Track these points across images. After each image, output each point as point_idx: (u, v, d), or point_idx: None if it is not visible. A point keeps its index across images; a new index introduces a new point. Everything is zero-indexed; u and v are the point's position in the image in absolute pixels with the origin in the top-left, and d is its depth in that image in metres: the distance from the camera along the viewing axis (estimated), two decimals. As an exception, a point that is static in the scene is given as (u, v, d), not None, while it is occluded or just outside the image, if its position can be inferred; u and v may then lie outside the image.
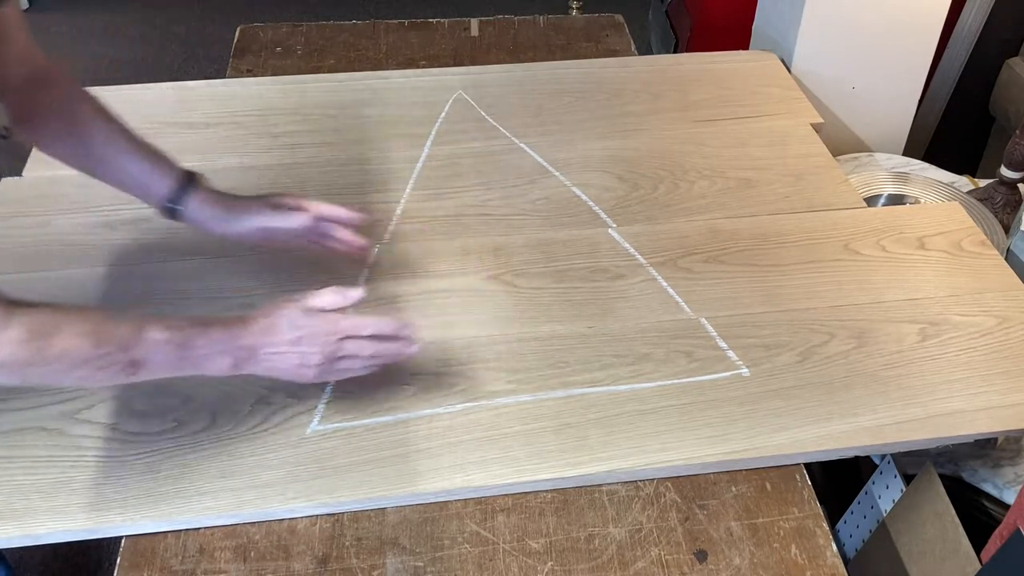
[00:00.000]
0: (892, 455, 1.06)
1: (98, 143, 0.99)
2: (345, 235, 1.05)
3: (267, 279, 1.12)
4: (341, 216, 1.04)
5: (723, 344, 1.04)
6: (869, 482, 1.11)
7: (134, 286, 1.11)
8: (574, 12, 2.40)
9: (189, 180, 1.01)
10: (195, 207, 1.01)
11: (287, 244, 1.06)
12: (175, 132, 1.36)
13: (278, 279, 1.12)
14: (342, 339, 0.89)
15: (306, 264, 1.14)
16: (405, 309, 1.09)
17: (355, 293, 0.91)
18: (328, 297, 0.90)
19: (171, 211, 1.01)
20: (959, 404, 0.98)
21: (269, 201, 1.03)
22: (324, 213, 1.03)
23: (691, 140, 1.38)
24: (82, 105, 0.99)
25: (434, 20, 1.77)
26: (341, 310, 0.90)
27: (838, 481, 1.24)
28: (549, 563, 0.86)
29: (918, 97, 1.63)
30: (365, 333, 0.90)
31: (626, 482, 0.93)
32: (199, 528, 0.89)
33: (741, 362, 1.02)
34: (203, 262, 1.14)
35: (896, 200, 1.42)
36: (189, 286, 1.11)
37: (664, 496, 0.92)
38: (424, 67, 1.57)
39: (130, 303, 1.09)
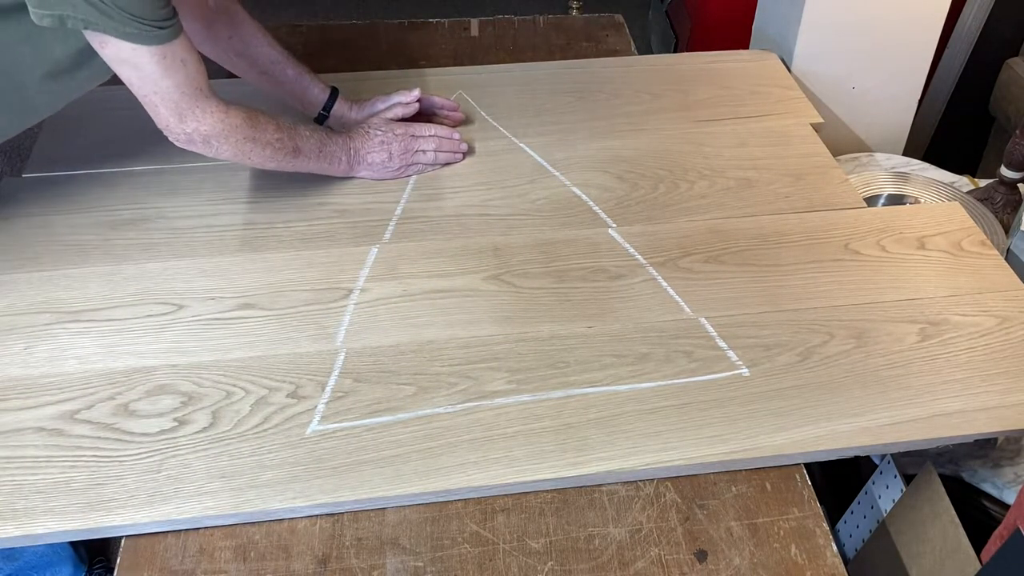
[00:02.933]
0: (892, 455, 1.06)
1: (265, 63, 1.30)
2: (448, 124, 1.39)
3: (264, 278, 1.12)
4: (442, 104, 1.39)
5: (723, 344, 1.04)
6: (869, 482, 1.11)
7: (134, 286, 1.11)
8: (574, 12, 2.40)
9: (334, 93, 1.35)
10: (338, 112, 1.35)
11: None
12: (175, 132, 1.36)
13: (278, 278, 1.12)
14: (413, 136, 1.27)
15: (305, 265, 1.14)
16: (405, 309, 1.09)
17: (411, 94, 1.32)
18: (396, 108, 1.30)
19: (321, 118, 1.34)
20: (959, 404, 0.98)
21: (384, 101, 1.35)
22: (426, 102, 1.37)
23: (691, 140, 1.38)
24: (253, 35, 1.29)
25: (434, 20, 1.77)
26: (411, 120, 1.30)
27: (838, 481, 1.24)
28: (549, 563, 0.86)
29: (918, 97, 1.63)
30: (428, 134, 1.28)
31: (626, 482, 0.93)
32: (199, 528, 0.89)
33: (741, 362, 1.02)
34: (202, 262, 1.14)
35: (896, 200, 1.42)
36: (188, 286, 1.11)
37: (664, 496, 0.92)
38: (424, 67, 1.57)
39: (130, 303, 1.09)
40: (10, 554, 1.21)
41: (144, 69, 1.00)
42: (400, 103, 1.33)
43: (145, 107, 1.05)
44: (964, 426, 0.96)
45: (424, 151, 1.27)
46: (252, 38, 1.28)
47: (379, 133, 1.25)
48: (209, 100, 1.07)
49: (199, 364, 1.01)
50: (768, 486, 0.93)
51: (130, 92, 1.04)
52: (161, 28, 0.97)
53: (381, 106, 1.34)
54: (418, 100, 1.33)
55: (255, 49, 1.28)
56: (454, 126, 1.38)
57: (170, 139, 1.08)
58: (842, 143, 1.61)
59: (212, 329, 1.06)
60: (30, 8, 0.93)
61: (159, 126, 1.07)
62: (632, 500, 0.92)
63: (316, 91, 1.33)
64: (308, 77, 1.33)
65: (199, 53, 1.06)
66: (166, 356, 1.02)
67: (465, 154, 1.31)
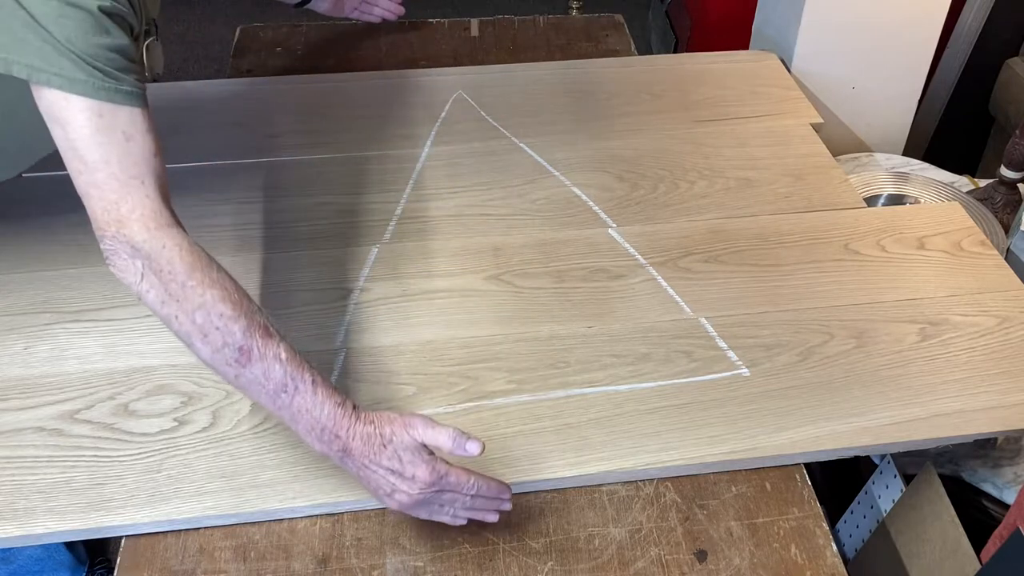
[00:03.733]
0: (892, 455, 1.06)
1: None
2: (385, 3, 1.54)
3: (265, 278, 1.12)
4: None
5: (723, 344, 1.04)
6: (869, 482, 1.11)
7: (134, 286, 1.11)
8: (574, 12, 2.39)
9: None
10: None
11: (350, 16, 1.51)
12: (176, 132, 1.36)
13: (278, 278, 1.12)
14: (440, 492, 0.82)
15: (305, 265, 1.14)
16: (405, 309, 1.09)
17: (474, 447, 0.81)
18: (444, 438, 0.80)
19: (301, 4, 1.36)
20: (959, 404, 0.98)
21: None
22: None
23: (691, 140, 1.38)
24: None
25: (434, 20, 1.77)
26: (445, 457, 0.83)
27: (838, 481, 1.24)
28: (549, 563, 0.86)
29: (918, 97, 1.62)
30: (465, 492, 0.82)
31: (626, 482, 0.93)
32: (199, 528, 0.89)
33: (741, 362, 1.02)
34: (203, 262, 1.14)
35: (896, 200, 1.42)
36: (189, 286, 1.11)
37: (664, 496, 0.92)
38: (424, 67, 1.57)
39: (130, 303, 1.09)
40: (5, 557, 1.21)
41: (81, 127, 0.79)
42: None
43: (83, 197, 0.82)
44: (964, 426, 0.96)
45: (444, 506, 0.83)
46: None
47: (393, 462, 0.80)
48: (152, 202, 0.81)
49: (199, 364, 1.01)
50: (768, 486, 0.93)
51: None
52: (112, 79, 0.79)
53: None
54: None
55: None
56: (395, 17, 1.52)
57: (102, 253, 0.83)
58: (842, 143, 1.61)
59: (212, 329, 1.05)
60: None
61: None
62: (632, 500, 0.92)
63: None
64: None
65: (163, 165, 0.85)
66: (166, 356, 1.02)
67: (504, 511, 0.87)
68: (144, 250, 0.80)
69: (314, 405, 0.80)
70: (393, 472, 0.80)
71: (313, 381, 0.81)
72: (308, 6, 1.55)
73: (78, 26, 0.78)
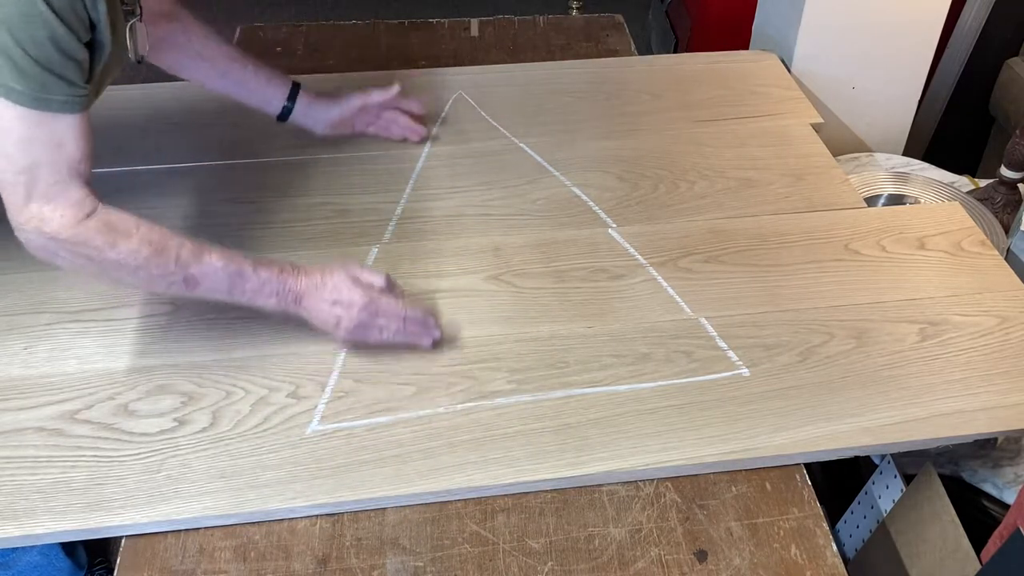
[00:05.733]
0: (892, 455, 1.06)
1: (224, 66, 1.20)
2: (405, 121, 1.33)
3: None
4: (402, 102, 1.32)
5: (723, 344, 1.04)
6: (869, 482, 1.11)
7: (134, 286, 1.11)
8: (574, 12, 2.40)
9: (296, 88, 1.26)
10: (302, 106, 1.27)
11: (364, 132, 1.34)
12: (176, 132, 1.37)
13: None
14: (375, 314, 0.99)
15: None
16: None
17: (398, 286, 1.04)
18: (378, 278, 1.02)
19: (285, 113, 1.26)
20: (959, 404, 0.98)
21: (349, 95, 1.29)
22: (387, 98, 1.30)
23: (691, 140, 1.38)
24: (207, 37, 1.19)
25: (434, 20, 1.77)
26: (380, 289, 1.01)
27: (838, 481, 1.24)
28: (549, 563, 0.86)
29: (918, 97, 1.63)
30: (397, 313, 1.01)
31: (626, 482, 0.93)
32: (199, 528, 0.88)
33: (741, 362, 1.02)
34: (203, 262, 1.14)
35: (896, 200, 1.42)
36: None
37: (664, 496, 0.92)
38: (424, 67, 1.57)
39: (130, 303, 1.09)
40: (3, 563, 1.21)
41: (4, 131, 0.82)
42: (376, 98, 1.29)
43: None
44: (964, 426, 0.96)
45: (382, 329, 1.01)
46: (206, 39, 1.19)
47: (334, 294, 0.98)
48: (71, 196, 0.86)
49: (199, 364, 1.01)
50: (768, 486, 0.93)
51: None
52: (50, 90, 0.82)
53: (356, 101, 1.29)
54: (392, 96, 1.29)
55: (212, 50, 1.19)
56: (416, 118, 1.35)
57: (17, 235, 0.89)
58: (842, 143, 1.61)
59: (212, 329, 1.06)
60: None
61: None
62: (632, 500, 0.92)
63: (277, 84, 1.25)
64: (267, 71, 1.24)
65: (90, 148, 0.88)
66: (166, 356, 1.02)
67: (436, 340, 1.04)
68: (69, 242, 0.87)
69: (262, 283, 0.96)
70: (335, 303, 0.98)
71: (253, 267, 0.96)
72: (293, 121, 1.29)
73: (24, 29, 0.79)
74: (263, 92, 1.24)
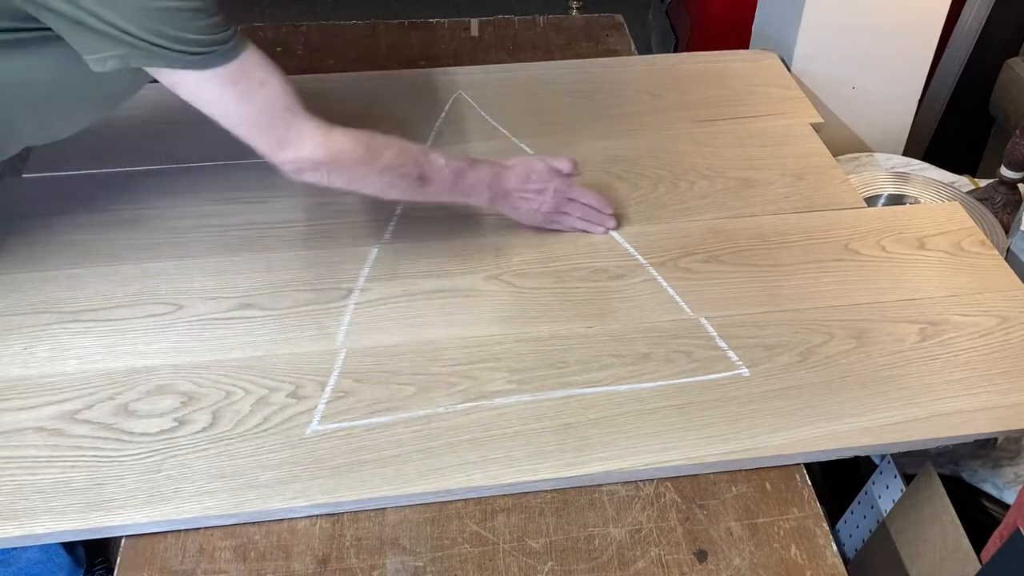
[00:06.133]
0: (892, 455, 1.06)
1: None
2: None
3: (265, 278, 1.12)
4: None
5: (723, 344, 1.04)
6: (869, 482, 1.11)
7: (134, 286, 1.11)
8: (574, 12, 2.39)
9: None
10: None
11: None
12: (176, 132, 1.36)
13: (278, 278, 1.12)
14: (568, 199, 1.16)
15: (305, 266, 1.14)
16: (405, 309, 1.09)
17: (579, 165, 1.17)
18: (564, 162, 1.15)
19: None
20: (959, 404, 0.98)
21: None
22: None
23: (691, 140, 1.38)
24: None
25: (434, 20, 1.77)
26: (570, 175, 1.16)
27: (838, 481, 1.24)
28: (549, 563, 0.86)
29: (918, 97, 1.63)
30: (584, 201, 1.17)
31: (626, 482, 0.93)
32: (199, 528, 0.88)
33: (741, 362, 1.02)
34: (202, 262, 1.14)
35: (896, 200, 1.42)
36: (188, 286, 1.11)
37: (664, 496, 0.92)
38: (424, 67, 1.57)
39: (130, 303, 1.09)
40: (4, 560, 1.21)
41: (216, 98, 0.91)
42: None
43: (247, 143, 0.96)
44: (964, 426, 0.96)
45: (568, 215, 1.17)
46: None
47: (539, 181, 1.13)
48: (304, 122, 0.96)
49: (199, 364, 1.01)
50: (768, 486, 0.93)
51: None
52: (214, 47, 0.87)
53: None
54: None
55: None
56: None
57: (285, 175, 0.99)
58: (842, 143, 1.61)
59: (212, 329, 1.06)
60: (87, 58, 0.86)
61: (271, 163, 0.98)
62: (632, 500, 0.92)
63: None
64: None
65: (281, 70, 0.95)
66: (166, 356, 1.02)
67: (608, 229, 1.19)
68: (323, 160, 0.98)
69: (479, 179, 1.10)
70: (540, 192, 1.14)
71: (470, 165, 1.09)
72: None
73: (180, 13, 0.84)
74: None
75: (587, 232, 1.19)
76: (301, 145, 0.96)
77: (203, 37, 0.86)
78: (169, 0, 0.83)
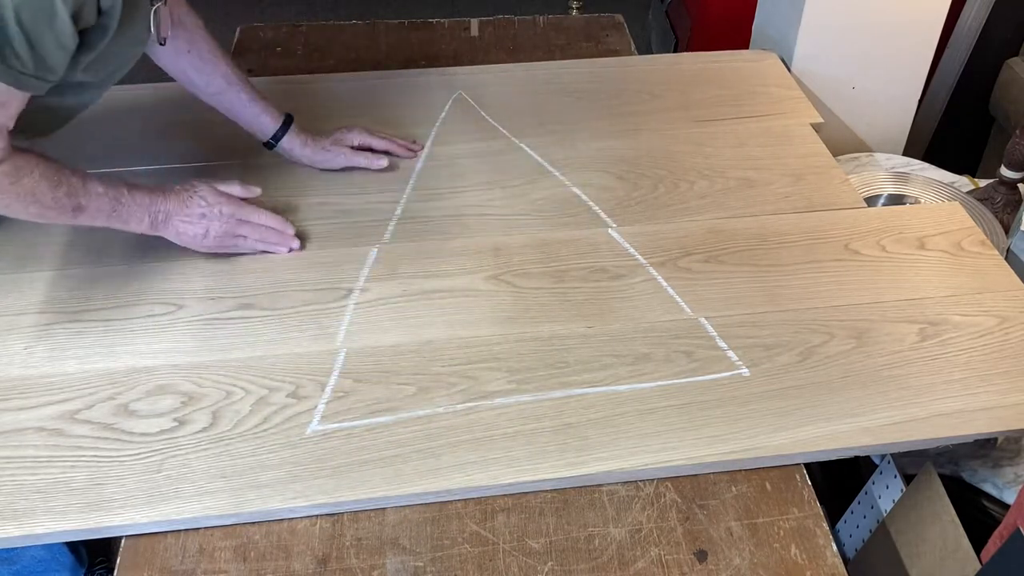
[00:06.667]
0: (892, 455, 1.06)
1: (220, 83, 1.23)
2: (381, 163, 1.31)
3: (264, 278, 1.12)
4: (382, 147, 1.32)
5: (723, 344, 1.04)
6: (869, 482, 1.11)
7: (134, 286, 1.11)
8: (574, 12, 2.40)
9: (287, 123, 1.28)
10: (287, 146, 1.29)
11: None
12: (176, 132, 1.37)
13: (278, 278, 1.12)
14: (239, 221, 1.11)
15: (305, 266, 1.14)
16: (405, 309, 1.09)
17: (256, 189, 1.16)
18: (235, 187, 1.13)
19: (270, 146, 1.29)
20: (959, 404, 0.98)
21: (343, 147, 1.30)
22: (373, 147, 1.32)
23: (691, 140, 1.38)
24: (211, 53, 1.21)
25: (434, 20, 1.77)
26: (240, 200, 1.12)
27: (838, 481, 1.24)
28: (549, 563, 0.86)
29: (918, 97, 1.63)
30: (259, 222, 1.13)
31: (626, 482, 0.93)
32: (199, 528, 0.89)
33: (741, 362, 1.02)
34: (202, 262, 1.14)
35: (896, 200, 1.42)
36: (188, 286, 1.11)
37: (664, 496, 0.92)
38: (424, 67, 1.57)
39: (130, 303, 1.09)
40: (8, 557, 1.21)
41: None
42: (360, 142, 1.29)
43: None
44: (964, 426, 0.96)
45: (245, 238, 1.13)
46: (209, 55, 1.20)
47: (202, 205, 1.09)
48: None
49: (199, 364, 1.01)
50: (768, 486, 0.93)
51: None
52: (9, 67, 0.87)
53: (341, 159, 1.29)
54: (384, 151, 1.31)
55: (211, 67, 1.21)
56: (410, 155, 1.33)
57: None
58: (842, 143, 1.61)
59: (212, 329, 1.06)
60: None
61: None
62: (632, 500, 0.92)
63: (267, 119, 1.26)
64: (261, 104, 1.25)
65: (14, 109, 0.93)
66: (166, 356, 1.02)
67: (293, 249, 1.16)
68: None
69: (137, 204, 1.05)
70: (203, 216, 1.09)
71: (128, 190, 1.04)
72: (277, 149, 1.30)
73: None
74: (252, 123, 1.27)
75: (269, 253, 1.15)
76: None
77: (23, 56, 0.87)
78: None
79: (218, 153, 1.33)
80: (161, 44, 1.10)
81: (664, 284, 1.12)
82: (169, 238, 1.09)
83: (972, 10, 1.94)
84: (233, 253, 1.14)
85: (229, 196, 1.11)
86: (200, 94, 1.24)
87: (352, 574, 0.85)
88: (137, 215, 1.05)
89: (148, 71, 1.21)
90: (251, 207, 1.13)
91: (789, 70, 1.55)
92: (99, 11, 0.93)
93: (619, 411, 0.97)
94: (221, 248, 1.12)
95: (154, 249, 1.16)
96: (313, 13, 3.21)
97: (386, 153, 1.32)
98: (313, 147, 1.29)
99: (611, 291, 1.11)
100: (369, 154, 1.31)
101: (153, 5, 1.04)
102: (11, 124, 0.94)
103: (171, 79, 1.24)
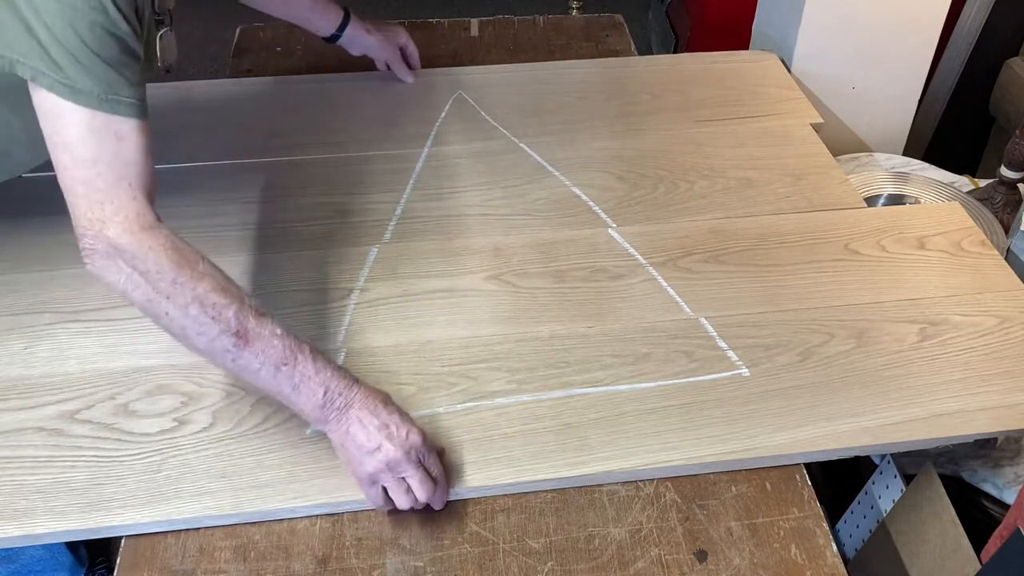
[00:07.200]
0: (892, 455, 1.06)
1: None
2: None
3: (265, 278, 1.12)
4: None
5: (723, 344, 1.04)
6: (869, 482, 1.11)
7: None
8: (574, 12, 2.40)
9: (346, 16, 1.40)
10: (350, 38, 1.43)
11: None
12: (175, 132, 1.36)
13: (278, 278, 1.12)
14: (416, 462, 0.85)
15: (305, 266, 1.14)
16: (405, 309, 1.09)
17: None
18: (435, 459, 0.88)
19: (332, 40, 1.41)
20: (959, 404, 0.98)
21: (396, 49, 1.49)
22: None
23: (691, 140, 1.38)
24: None
25: (434, 20, 1.77)
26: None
27: (838, 481, 1.24)
28: (549, 563, 0.86)
29: (918, 97, 1.62)
30: (431, 470, 0.87)
31: (626, 482, 0.93)
32: (199, 528, 0.88)
33: (741, 362, 1.02)
34: (203, 262, 1.14)
35: (896, 200, 1.42)
36: (189, 286, 1.11)
37: (664, 496, 0.92)
38: (424, 67, 1.57)
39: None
40: (7, 556, 1.21)
41: (67, 127, 0.79)
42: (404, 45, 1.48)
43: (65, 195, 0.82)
44: (964, 426, 0.96)
45: (401, 483, 0.86)
46: None
47: (388, 420, 0.85)
48: (133, 203, 0.81)
49: (199, 364, 1.01)
50: (768, 486, 0.93)
51: None
52: (114, 92, 0.80)
53: (401, 38, 1.47)
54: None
55: None
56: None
57: (80, 251, 0.84)
58: (842, 143, 1.61)
59: (212, 329, 1.05)
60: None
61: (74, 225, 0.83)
62: (632, 500, 0.92)
63: (329, 15, 1.39)
64: (323, 3, 1.38)
65: (152, 165, 0.85)
66: (166, 356, 1.02)
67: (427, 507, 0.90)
68: (129, 251, 0.81)
69: (316, 371, 0.84)
70: (386, 427, 0.85)
71: (312, 351, 0.85)
72: (340, 42, 1.44)
73: (88, 28, 0.78)
74: (309, 19, 1.39)
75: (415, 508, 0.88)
76: (110, 223, 0.81)
77: (112, 77, 0.80)
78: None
79: (218, 153, 1.33)
80: (167, 71, 1.01)
81: (664, 284, 1.12)
82: (332, 436, 0.86)
83: (972, 10, 1.94)
84: (367, 505, 0.90)
85: (424, 434, 0.87)
86: (265, 7, 1.32)
87: (352, 574, 0.85)
88: (312, 386, 0.84)
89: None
90: (436, 454, 0.88)
91: (789, 70, 1.55)
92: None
93: (619, 411, 0.97)
94: (375, 480, 0.85)
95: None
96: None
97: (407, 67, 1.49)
98: (375, 35, 1.44)
99: (611, 291, 1.11)
100: (405, 68, 1.49)
101: (159, 31, 0.96)
102: (149, 181, 0.84)
103: (170, 79, 1.24)
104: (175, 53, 1.00)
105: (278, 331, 0.83)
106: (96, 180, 0.80)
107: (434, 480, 0.87)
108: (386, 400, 0.87)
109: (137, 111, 0.82)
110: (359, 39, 1.44)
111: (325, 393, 0.84)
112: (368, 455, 0.84)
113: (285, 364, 0.83)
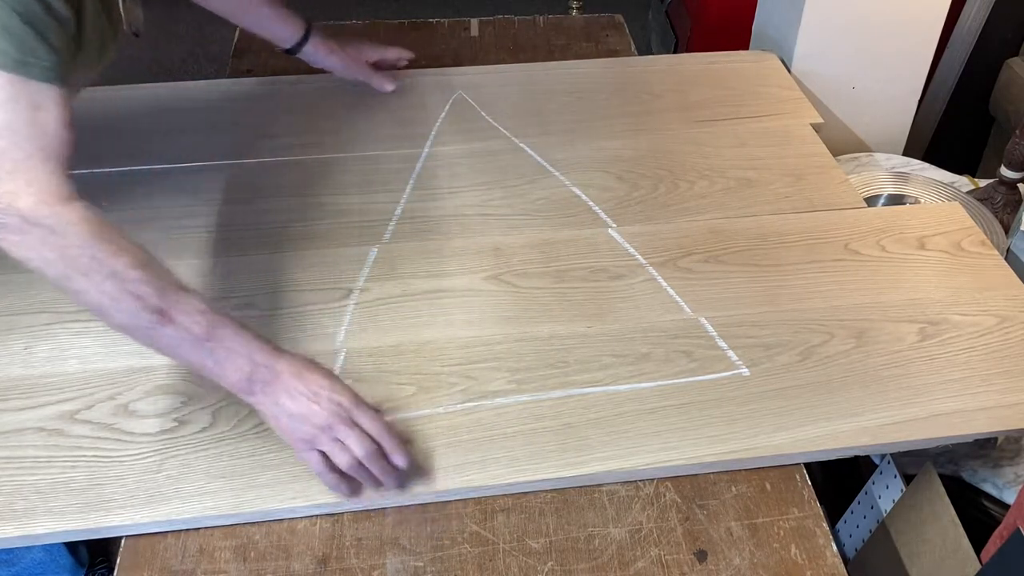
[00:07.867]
0: (892, 455, 1.06)
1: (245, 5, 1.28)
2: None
3: (265, 278, 1.12)
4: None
5: (723, 344, 1.04)
6: (869, 482, 1.11)
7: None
8: (574, 12, 2.39)
9: (307, 31, 1.36)
10: (310, 53, 1.39)
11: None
12: (176, 132, 1.37)
13: (278, 278, 1.12)
14: (348, 423, 0.85)
15: (305, 266, 1.14)
16: (405, 309, 1.09)
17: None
18: (368, 414, 0.87)
19: (292, 52, 1.36)
20: (959, 404, 0.98)
21: (363, 65, 1.44)
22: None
23: (691, 140, 1.38)
24: None
25: (434, 20, 1.77)
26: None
27: (838, 481, 1.24)
28: (549, 563, 0.86)
29: (918, 97, 1.62)
30: (367, 428, 0.86)
31: (626, 482, 0.93)
32: (199, 528, 0.89)
33: (741, 362, 1.02)
34: (202, 263, 1.14)
35: (896, 200, 1.42)
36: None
37: (664, 496, 0.92)
38: (424, 67, 1.57)
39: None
40: (7, 559, 1.21)
41: None
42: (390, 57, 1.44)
43: None
44: (964, 426, 0.96)
45: (336, 443, 0.85)
46: None
47: (314, 386, 0.85)
48: (46, 175, 0.77)
49: (199, 364, 1.01)
50: (768, 486, 0.93)
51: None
52: (31, 53, 0.76)
53: (369, 52, 1.43)
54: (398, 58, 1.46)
55: None
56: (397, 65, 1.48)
57: None
58: (842, 143, 1.61)
59: (212, 329, 1.05)
60: None
61: None
62: (632, 500, 0.92)
63: (290, 27, 1.34)
64: (283, 13, 1.32)
65: (71, 136, 0.81)
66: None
67: (390, 484, 0.89)
68: (46, 225, 0.77)
69: (241, 344, 0.84)
70: (314, 393, 0.84)
71: (235, 324, 0.85)
72: (300, 55, 1.40)
73: None
74: (275, 32, 1.36)
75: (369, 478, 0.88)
76: (23, 195, 0.76)
77: (32, 40, 0.76)
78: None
79: (218, 153, 1.33)
80: (135, 36, 0.98)
81: (664, 284, 1.12)
82: (261, 408, 0.86)
83: (972, 10, 1.94)
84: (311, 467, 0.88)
85: (353, 393, 0.87)
86: (228, 16, 1.31)
87: (352, 574, 0.85)
88: (236, 360, 0.83)
89: (146, 71, 1.21)
90: (370, 410, 0.88)
91: (789, 70, 1.55)
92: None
93: (619, 411, 0.97)
94: (309, 442, 0.85)
95: (153, 249, 1.16)
96: (313, 13, 3.21)
97: (392, 67, 1.46)
98: (342, 50, 1.40)
99: (611, 291, 1.11)
100: (383, 75, 1.44)
101: None
102: (64, 151, 0.81)
103: (170, 80, 1.24)
104: (141, 18, 0.98)
105: (200, 306, 0.82)
106: (11, 149, 0.77)
107: (372, 438, 0.85)
108: (311, 366, 0.87)
109: (55, 77, 0.78)
110: (320, 57, 1.40)
111: (251, 366, 0.84)
112: (300, 422, 0.84)
113: (208, 340, 0.82)
